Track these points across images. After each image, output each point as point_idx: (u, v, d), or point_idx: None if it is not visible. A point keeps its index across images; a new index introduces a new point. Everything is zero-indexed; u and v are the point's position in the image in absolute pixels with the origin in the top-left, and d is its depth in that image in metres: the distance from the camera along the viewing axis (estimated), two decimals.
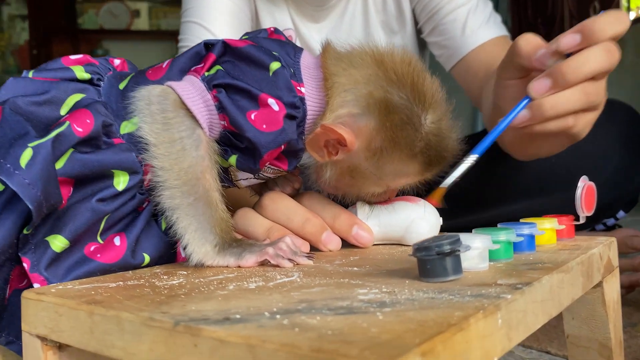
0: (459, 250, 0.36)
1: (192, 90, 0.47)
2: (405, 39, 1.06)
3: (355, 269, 0.42)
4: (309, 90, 0.49)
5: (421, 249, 0.36)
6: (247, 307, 0.31)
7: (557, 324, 0.86)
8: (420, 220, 0.54)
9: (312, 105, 0.50)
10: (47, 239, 0.44)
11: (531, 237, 0.46)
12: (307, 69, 0.50)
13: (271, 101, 0.47)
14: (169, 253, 0.50)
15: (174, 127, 0.46)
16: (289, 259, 0.45)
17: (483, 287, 0.34)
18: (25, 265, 0.44)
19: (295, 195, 0.56)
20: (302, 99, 0.49)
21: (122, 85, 0.52)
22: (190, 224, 0.46)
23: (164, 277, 0.43)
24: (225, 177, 0.52)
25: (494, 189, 1.01)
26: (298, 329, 0.26)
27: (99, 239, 0.47)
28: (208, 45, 0.51)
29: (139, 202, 0.49)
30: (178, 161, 0.46)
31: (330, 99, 0.49)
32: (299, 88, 0.49)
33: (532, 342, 0.82)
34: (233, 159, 0.49)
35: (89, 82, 0.51)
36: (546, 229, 0.49)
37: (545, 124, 0.54)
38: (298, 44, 1.04)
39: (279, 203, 0.53)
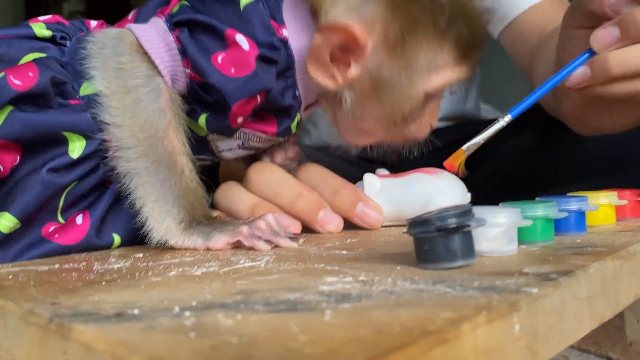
0: (469, 226, 0.26)
1: (153, 32, 0.39)
2: None
3: (344, 252, 0.33)
4: (293, 32, 0.40)
5: (417, 223, 0.26)
6: (161, 300, 0.23)
7: (622, 325, 0.74)
8: (441, 195, 0.44)
9: (299, 48, 0.40)
10: None
11: (580, 215, 0.36)
12: (292, 8, 0.41)
13: (240, 38, 0.38)
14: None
15: (128, 73, 0.38)
16: (267, 240, 0.36)
17: (500, 277, 0.24)
18: None
19: (291, 169, 0.47)
20: (285, 42, 0.39)
21: None
22: (148, 193, 0.38)
23: (113, 259, 0.35)
24: (206, 148, 0.44)
25: (547, 167, 0.89)
26: (194, 334, 0.17)
27: (59, 218, 0.40)
28: None
29: (105, 174, 0.41)
30: (133, 115, 0.38)
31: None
32: (280, 31, 0.40)
33: (590, 345, 0.70)
34: (202, 119, 0.41)
35: (52, 40, 0.43)
36: (602, 204, 0.38)
37: (609, 86, 0.42)
38: None
39: (266, 175, 0.44)
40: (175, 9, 0.40)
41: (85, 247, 0.40)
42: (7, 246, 0.38)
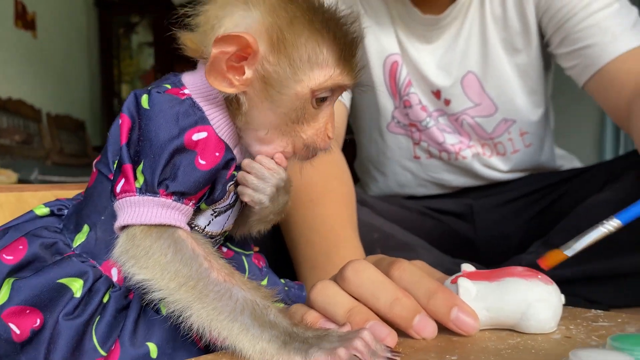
0: None
1: (144, 210, 0.42)
2: (531, 57, 0.94)
3: None
4: (190, 83, 0.47)
5: None
6: None
7: None
8: (540, 303, 0.43)
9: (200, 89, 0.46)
10: None
11: None
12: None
13: (196, 136, 0.43)
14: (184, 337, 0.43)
15: (157, 256, 0.42)
16: None
17: None
18: None
19: (382, 264, 0.47)
20: (191, 100, 0.45)
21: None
22: (226, 327, 0.40)
23: None
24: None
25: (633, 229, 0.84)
26: None
27: (101, 351, 0.44)
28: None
29: (121, 296, 0.46)
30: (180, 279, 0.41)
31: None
32: (181, 92, 0.46)
33: None
34: (203, 204, 0.46)
35: (51, 214, 0.51)
36: None
37: None
38: (404, 70, 0.97)
39: (364, 276, 0.45)
40: (140, 181, 0.43)
41: None
42: None
